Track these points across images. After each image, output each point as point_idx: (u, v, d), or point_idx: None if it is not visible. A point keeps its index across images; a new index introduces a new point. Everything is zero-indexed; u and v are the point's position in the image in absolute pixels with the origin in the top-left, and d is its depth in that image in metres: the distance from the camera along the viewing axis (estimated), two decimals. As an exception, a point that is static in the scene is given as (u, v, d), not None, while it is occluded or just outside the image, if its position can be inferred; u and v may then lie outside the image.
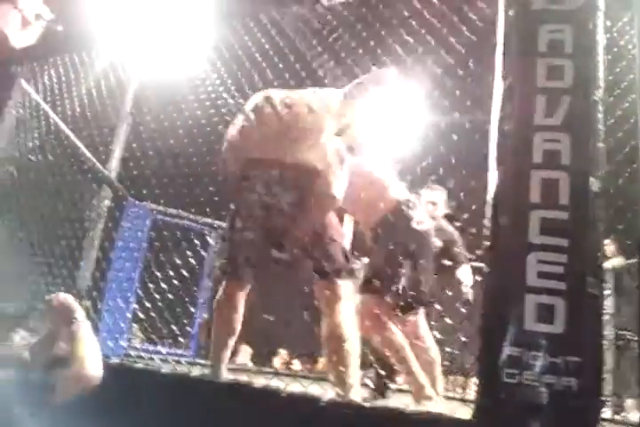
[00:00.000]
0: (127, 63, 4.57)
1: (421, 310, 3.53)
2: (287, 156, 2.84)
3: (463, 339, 2.14)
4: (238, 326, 3.01)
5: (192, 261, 3.68)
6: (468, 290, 5.04)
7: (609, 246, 6.50)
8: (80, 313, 2.33)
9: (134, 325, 5.19)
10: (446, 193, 4.91)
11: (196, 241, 4.54)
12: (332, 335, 2.77)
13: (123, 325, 3.50)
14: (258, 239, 2.89)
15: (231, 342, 3.00)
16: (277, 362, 8.07)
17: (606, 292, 5.02)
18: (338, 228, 3.02)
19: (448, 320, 2.58)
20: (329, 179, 2.82)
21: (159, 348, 4.44)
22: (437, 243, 5.09)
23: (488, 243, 1.92)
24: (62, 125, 4.74)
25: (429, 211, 4.90)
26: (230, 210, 3.03)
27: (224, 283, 3.04)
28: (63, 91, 4.70)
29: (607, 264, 6.22)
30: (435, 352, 3.47)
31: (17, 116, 4.53)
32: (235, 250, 2.95)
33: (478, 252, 2.00)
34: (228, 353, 3.01)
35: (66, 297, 2.40)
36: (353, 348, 2.75)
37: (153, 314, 3.52)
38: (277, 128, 2.91)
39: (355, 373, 2.71)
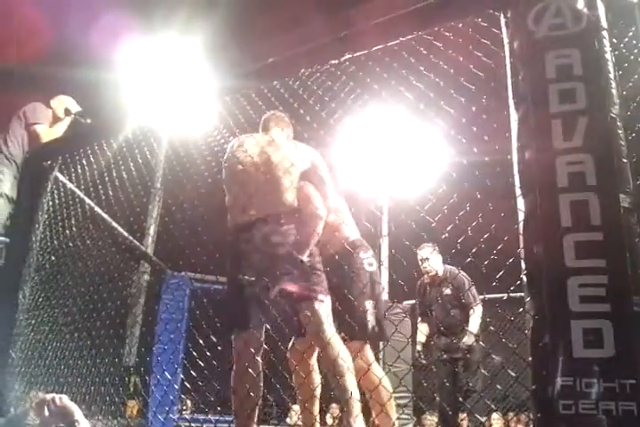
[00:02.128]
0: (153, 142, 4.69)
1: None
2: (273, 208, 3.21)
3: (513, 374, 2.05)
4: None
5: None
6: (470, 338, 5.23)
7: None
8: (79, 414, 2.35)
9: (183, 396, 5.16)
10: (436, 247, 5.85)
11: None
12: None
13: (172, 397, 3.45)
14: (264, 289, 3.11)
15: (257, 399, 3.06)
16: (329, 418, 7.81)
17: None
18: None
19: (495, 357, 2.49)
20: (313, 203, 3.27)
21: (209, 416, 4.38)
22: (448, 290, 5.61)
23: (525, 272, 1.87)
24: (98, 209, 4.86)
25: (425, 266, 5.89)
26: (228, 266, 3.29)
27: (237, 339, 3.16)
28: (95, 177, 4.82)
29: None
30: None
31: (53, 207, 4.64)
32: (245, 303, 3.12)
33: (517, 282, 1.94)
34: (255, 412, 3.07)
35: (62, 398, 2.42)
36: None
37: (200, 383, 3.49)
38: (254, 185, 3.28)
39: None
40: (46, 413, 2.45)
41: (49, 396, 2.55)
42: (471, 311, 5.61)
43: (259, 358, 3.11)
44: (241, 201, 3.30)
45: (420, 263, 5.88)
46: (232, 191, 3.42)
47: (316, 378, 3.44)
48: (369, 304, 3.49)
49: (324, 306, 3.17)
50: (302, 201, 3.32)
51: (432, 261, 5.88)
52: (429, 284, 6.02)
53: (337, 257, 3.45)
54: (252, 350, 3.10)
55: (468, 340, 5.44)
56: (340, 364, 3.00)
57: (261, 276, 3.12)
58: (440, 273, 5.92)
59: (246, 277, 3.13)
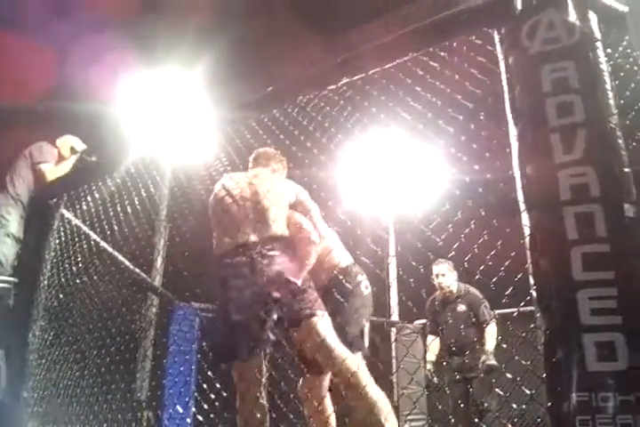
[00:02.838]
0: (156, 175, 4.71)
1: None
2: (260, 234, 3.23)
3: (527, 391, 2.02)
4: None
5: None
6: (490, 357, 5.17)
7: None
8: None
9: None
10: (451, 264, 5.79)
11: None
12: None
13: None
14: (255, 317, 3.07)
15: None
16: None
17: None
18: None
19: (508, 375, 2.45)
20: (304, 229, 3.30)
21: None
22: (462, 307, 5.55)
23: (534, 287, 1.85)
24: (104, 244, 4.86)
25: (440, 282, 5.84)
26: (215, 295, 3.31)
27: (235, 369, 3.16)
28: (100, 212, 4.82)
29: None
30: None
31: (60, 244, 4.63)
32: (234, 331, 3.10)
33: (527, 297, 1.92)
34: None
35: None
36: None
37: (212, 416, 3.44)
38: (242, 214, 3.31)
39: None
40: None
41: None
42: (487, 330, 5.55)
43: (261, 387, 3.09)
44: (228, 230, 3.32)
45: (435, 279, 5.84)
46: (220, 223, 3.43)
47: (329, 407, 3.40)
48: (367, 325, 3.50)
49: (323, 320, 3.15)
50: (293, 229, 3.36)
51: (447, 277, 5.84)
52: (442, 301, 5.97)
53: (330, 283, 3.45)
54: (251, 379, 3.10)
55: (489, 360, 5.36)
56: (354, 374, 2.96)
57: (249, 302, 3.10)
58: (454, 290, 5.88)
59: (233, 305, 3.11)
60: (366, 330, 3.51)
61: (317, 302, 3.21)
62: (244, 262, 3.16)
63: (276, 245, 3.22)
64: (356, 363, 3.03)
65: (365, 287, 3.60)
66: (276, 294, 3.07)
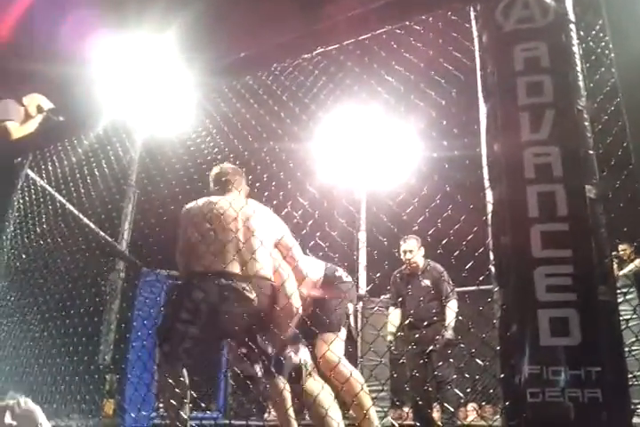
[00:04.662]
0: (125, 139, 4.66)
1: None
2: (246, 269, 3.13)
3: (480, 363, 2.07)
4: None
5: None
6: (449, 332, 5.47)
7: (627, 250, 6.47)
8: (42, 417, 2.35)
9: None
10: (419, 240, 5.86)
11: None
12: None
13: (144, 395, 3.42)
14: (203, 336, 3.12)
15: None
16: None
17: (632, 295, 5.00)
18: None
19: (462, 345, 2.51)
20: (288, 290, 3.19)
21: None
22: (425, 282, 5.65)
23: (493, 263, 1.89)
24: (70, 206, 4.81)
25: (408, 258, 5.93)
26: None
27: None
28: (67, 174, 4.76)
29: (629, 267, 6.25)
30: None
31: (24, 205, 4.57)
32: (175, 339, 3.09)
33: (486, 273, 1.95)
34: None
35: (27, 402, 2.41)
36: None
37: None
38: (228, 243, 3.18)
39: None
40: (7, 419, 2.40)
41: (11, 401, 2.49)
42: (448, 305, 5.68)
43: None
44: (205, 256, 3.17)
45: (403, 255, 5.92)
46: (195, 247, 3.26)
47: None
48: (350, 306, 3.63)
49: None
50: (277, 280, 3.28)
51: (414, 253, 5.93)
52: (407, 275, 6.06)
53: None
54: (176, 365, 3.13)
55: (449, 334, 5.49)
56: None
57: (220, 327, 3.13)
58: (420, 266, 5.98)
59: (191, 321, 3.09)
60: (351, 310, 3.63)
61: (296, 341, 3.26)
62: (225, 289, 3.08)
63: (263, 287, 3.15)
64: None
65: (346, 277, 3.72)
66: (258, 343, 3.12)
